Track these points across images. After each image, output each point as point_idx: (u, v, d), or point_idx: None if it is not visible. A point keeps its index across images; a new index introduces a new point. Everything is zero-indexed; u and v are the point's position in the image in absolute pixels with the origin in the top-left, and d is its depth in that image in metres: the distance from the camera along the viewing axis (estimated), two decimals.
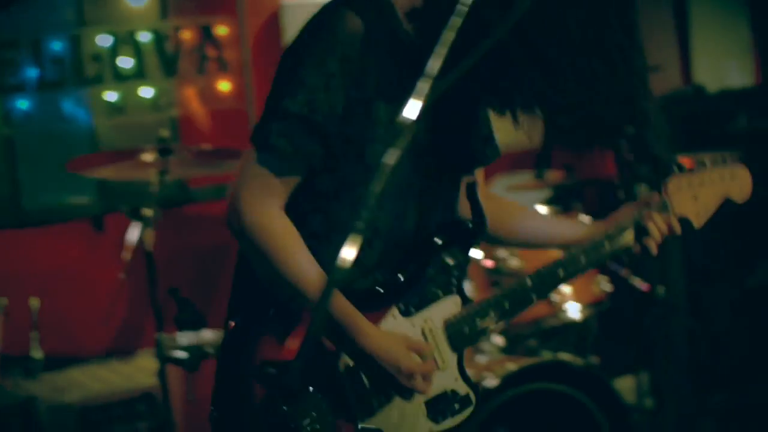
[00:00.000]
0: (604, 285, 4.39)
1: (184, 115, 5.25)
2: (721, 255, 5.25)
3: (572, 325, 4.49)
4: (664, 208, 2.48)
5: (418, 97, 1.76)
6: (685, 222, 2.52)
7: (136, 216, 3.98)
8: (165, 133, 4.00)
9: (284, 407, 2.12)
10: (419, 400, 2.33)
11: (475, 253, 4.25)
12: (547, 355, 4.15)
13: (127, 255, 4.05)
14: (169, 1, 5.19)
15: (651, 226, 2.46)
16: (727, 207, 2.59)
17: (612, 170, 4.48)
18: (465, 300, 2.40)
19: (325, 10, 2.27)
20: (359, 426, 2.28)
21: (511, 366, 3.90)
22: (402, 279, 2.34)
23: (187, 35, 5.23)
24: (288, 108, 2.19)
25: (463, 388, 2.39)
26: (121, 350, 4.76)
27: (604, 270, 4.53)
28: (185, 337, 4.18)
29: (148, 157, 3.96)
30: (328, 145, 2.22)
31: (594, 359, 5.05)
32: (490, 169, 2.56)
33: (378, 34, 2.24)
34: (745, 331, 5.28)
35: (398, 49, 2.26)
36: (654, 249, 2.48)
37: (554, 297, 4.24)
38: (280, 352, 2.24)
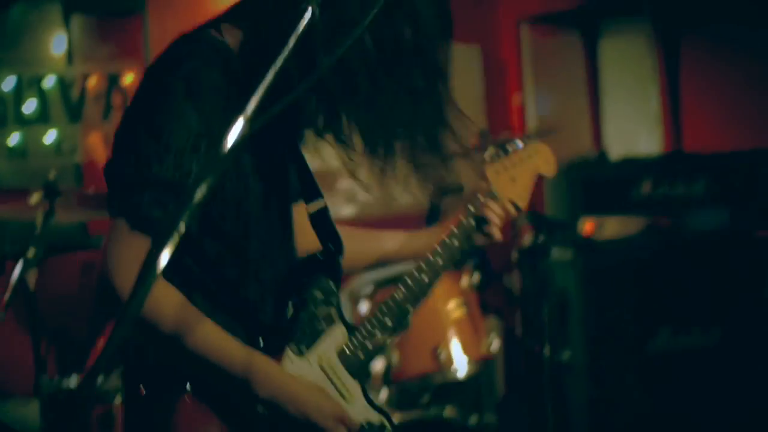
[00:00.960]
0: (495, 343, 4.39)
1: (87, 161, 5.22)
2: (621, 320, 5.27)
3: (468, 382, 4.48)
4: (492, 195, 2.52)
5: (235, 134, 1.73)
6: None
7: (20, 257, 3.94)
8: (52, 175, 3.97)
9: None
10: None
11: (362, 308, 4.26)
12: (433, 411, 4.13)
13: (6, 295, 4.00)
14: (77, 47, 5.19)
15: (489, 213, 2.51)
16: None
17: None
18: (348, 327, 2.39)
19: (168, 62, 2.22)
20: None
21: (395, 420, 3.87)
22: (286, 320, 2.30)
23: (93, 82, 5.22)
24: (158, 175, 2.11)
25: (375, 417, 2.37)
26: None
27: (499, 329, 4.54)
28: (70, 381, 4.13)
29: (34, 198, 3.93)
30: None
31: (490, 418, 5.04)
32: None
33: (217, 79, 2.20)
34: (645, 397, 5.28)
35: (233, 90, 2.21)
36: (498, 235, 2.53)
37: (442, 354, 4.22)
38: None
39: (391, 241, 2.68)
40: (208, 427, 2.21)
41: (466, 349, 4.28)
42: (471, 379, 5.01)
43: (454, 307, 4.33)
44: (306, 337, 2.32)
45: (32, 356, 3.93)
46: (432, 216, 4.64)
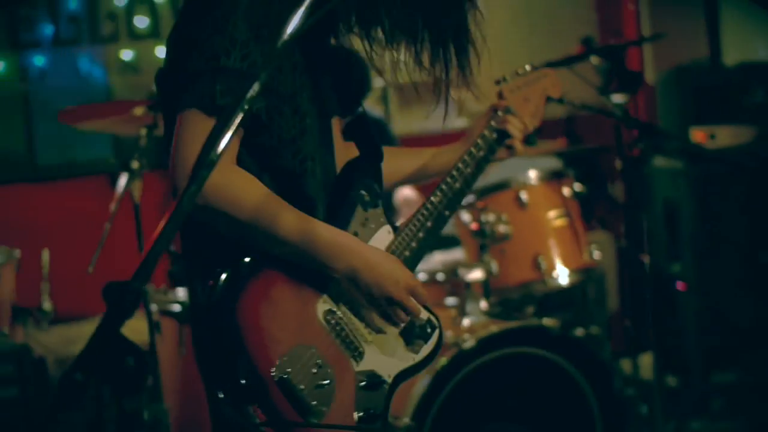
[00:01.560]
0: (596, 253, 4.35)
1: None
2: (732, 231, 5.17)
3: (575, 294, 4.47)
4: (509, 110, 2.71)
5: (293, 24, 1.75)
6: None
7: (126, 168, 4.05)
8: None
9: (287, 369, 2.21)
10: (395, 332, 2.41)
11: (464, 217, 4.26)
12: (533, 321, 4.13)
13: (112, 206, 4.11)
14: None
15: (509, 128, 2.67)
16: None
17: (610, 138, 4.44)
18: (394, 228, 2.47)
19: None
20: (355, 370, 2.34)
21: (493, 328, 3.90)
22: (339, 218, 2.38)
23: None
24: (227, 66, 2.18)
25: (423, 313, 2.45)
26: None
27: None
28: (179, 291, 4.25)
29: (138, 111, 4.01)
30: (267, 98, 2.23)
31: (597, 330, 5.02)
32: None
33: None
34: (752, 308, 5.20)
35: None
36: (520, 147, 2.70)
37: (543, 263, 4.21)
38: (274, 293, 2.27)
39: (422, 156, 2.77)
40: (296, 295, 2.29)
41: (566, 259, 4.26)
42: (578, 291, 5.01)
43: (554, 216, 4.30)
44: (357, 236, 2.38)
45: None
46: None
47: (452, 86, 2.42)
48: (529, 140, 2.78)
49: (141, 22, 5.20)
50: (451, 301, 4.30)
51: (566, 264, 4.25)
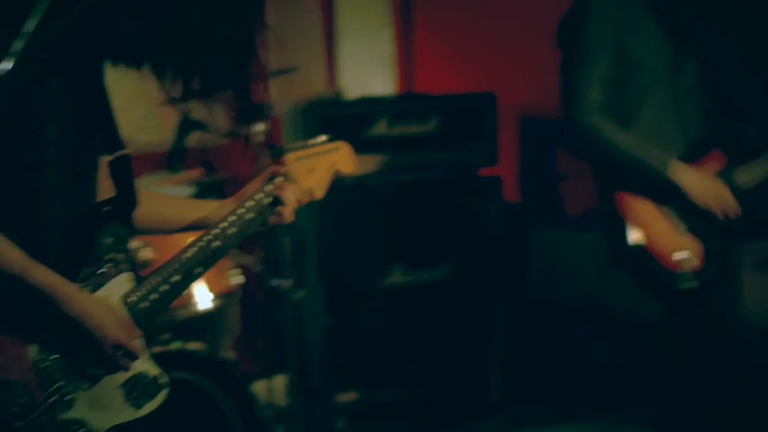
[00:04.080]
0: (237, 277, 4.42)
1: None
2: (356, 257, 5.43)
3: (208, 318, 4.50)
4: (289, 178, 2.63)
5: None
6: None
7: None
8: None
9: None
10: (116, 384, 2.29)
11: None
12: (175, 345, 4.12)
13: None
14: None
15: (284, 195, 2.58)
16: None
17: (248, 167, 4.56)
18: (136, 276, 2.37)
19: None
20: (59, 418, 2.20)
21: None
22: (73, 260, 2.25)
23: None
24: None
25: (153, 369, 2.37)
26: None
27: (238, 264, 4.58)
28: None
29: None
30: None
31: (231, 355, 5.09)
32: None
33: None
34: (378, 329, 5.48)
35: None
36: (289, 217, 2.61)
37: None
38: None
39: (190, 206, 2.71)
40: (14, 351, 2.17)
41: (210, 283, 4.29)
42: (214, 315, 5.05)
43: None
44: (93, 278, 2.28)
45: None
46: (173, 156, 4.63)
47: None
48: None
49: None
50: None
51: (210, 288, 4.29)
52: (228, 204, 2.63)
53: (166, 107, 4.37)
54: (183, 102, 2.40)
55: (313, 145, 2.75)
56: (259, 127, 4.35)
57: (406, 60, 6.14)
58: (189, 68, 2.27)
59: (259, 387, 5.10)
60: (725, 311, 3.77)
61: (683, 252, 3.49)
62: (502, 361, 5.66)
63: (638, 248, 3.58)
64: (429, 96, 5.84)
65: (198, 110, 4.50)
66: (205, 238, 2.46)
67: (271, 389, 4.94)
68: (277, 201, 2.59)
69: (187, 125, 4.60)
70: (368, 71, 6.11)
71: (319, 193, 2.72)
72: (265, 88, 5.47)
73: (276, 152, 4.12)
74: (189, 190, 4.71)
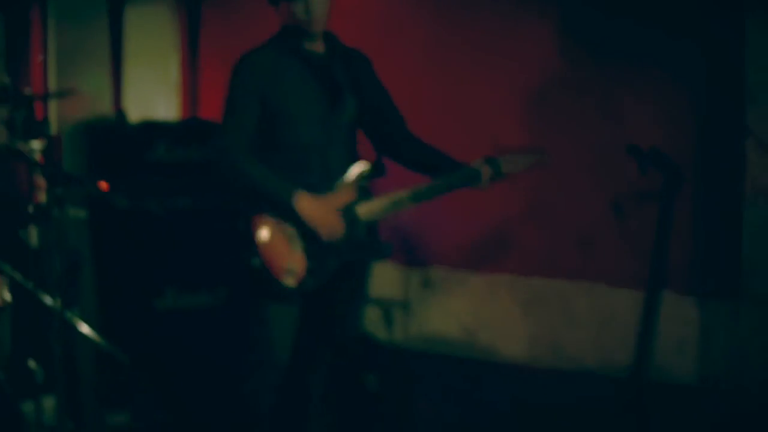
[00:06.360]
0: (6, 294, 4.39)
1: None
2: (131, 279, 5.45)
3: None
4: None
5: None
6: None
7: None
8: None
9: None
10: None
11: None
12: None
13: None
14: None
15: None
16: None
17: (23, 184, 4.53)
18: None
19: None
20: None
21: None
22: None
23: None
24: None
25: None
26: None
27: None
28: None
29: None
30: None
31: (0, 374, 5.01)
32: None
33: None
34: (150, 352, 5.50)
35: None
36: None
37: None
38: None
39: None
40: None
41: None
42: None
43: None
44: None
45: None
46: None
47: None
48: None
49: None
50: None
51: None
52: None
53: None
54: None
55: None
56: (36, 144, 4.34)
57: (191, 86, 6.21)
58: None
59: (28, 407, 5.03)
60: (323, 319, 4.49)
61: (290, 266, 4.14)
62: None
63: (259, 261, 4.13)
64: (211, 122, 5.92)
65: None
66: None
67: (41, 409, 4.88)
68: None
69: None
70: (153, 95, 6.16)
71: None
72: (44, 106, 5.47)
73: (48, 170, 4.17)
74: None
